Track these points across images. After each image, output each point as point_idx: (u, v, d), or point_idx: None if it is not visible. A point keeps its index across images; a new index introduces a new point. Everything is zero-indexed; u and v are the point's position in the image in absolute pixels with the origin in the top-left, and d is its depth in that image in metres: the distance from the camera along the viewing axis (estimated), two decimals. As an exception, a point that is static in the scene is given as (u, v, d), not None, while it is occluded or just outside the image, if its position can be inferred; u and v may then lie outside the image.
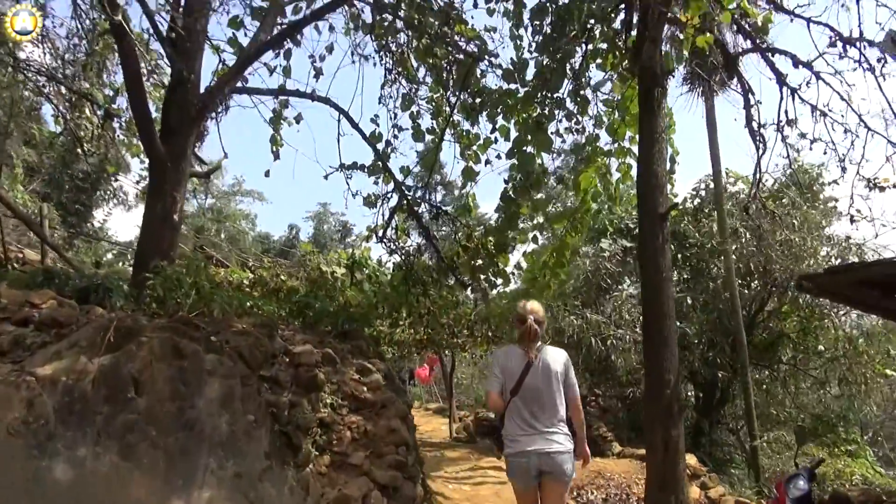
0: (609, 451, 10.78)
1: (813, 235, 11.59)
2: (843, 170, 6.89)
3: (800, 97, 6.65)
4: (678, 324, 12.67)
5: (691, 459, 8.85)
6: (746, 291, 13.50)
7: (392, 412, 5.06)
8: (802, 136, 6.68)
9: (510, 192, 8.16)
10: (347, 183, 8.40)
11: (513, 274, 9.23)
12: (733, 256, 11.61)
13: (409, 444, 5.08)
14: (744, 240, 12.07)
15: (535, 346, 3.80)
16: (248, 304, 5.34)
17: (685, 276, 13.50)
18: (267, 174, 8.22)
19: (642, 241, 5.99)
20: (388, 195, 8.56)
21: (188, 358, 3.98)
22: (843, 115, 6.30)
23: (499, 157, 8.81)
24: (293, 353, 4.79)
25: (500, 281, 8.69)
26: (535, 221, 8.49)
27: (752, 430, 9.99)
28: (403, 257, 9.10)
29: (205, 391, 3.97)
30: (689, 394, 15.12)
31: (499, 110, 8.16)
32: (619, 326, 11.69)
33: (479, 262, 8.58)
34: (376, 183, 8.81)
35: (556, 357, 3.87)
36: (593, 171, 7.73)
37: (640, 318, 12.51)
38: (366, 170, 8.43)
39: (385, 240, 8.93)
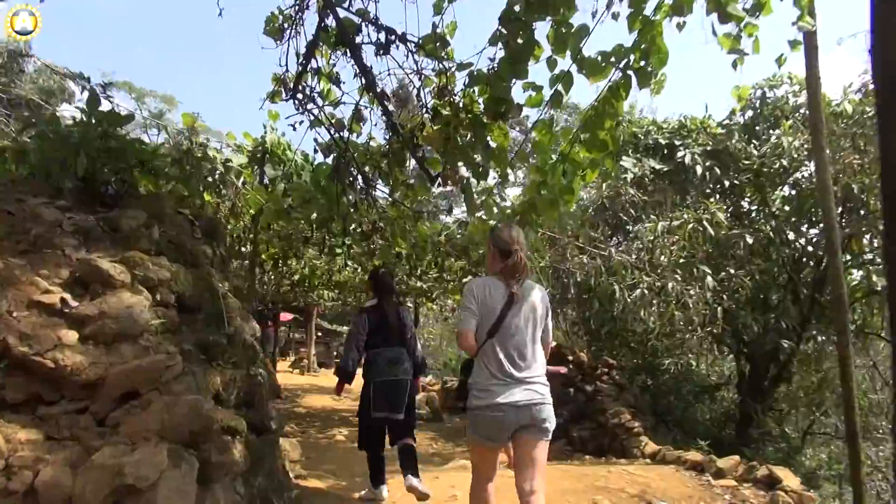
0: (637, 449, 7.53)
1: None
2: None
3: None
4: (730, 272, 9.47)
5: (789, 479, 5.60)
6: (815, 230, 10.31)
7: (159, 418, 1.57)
8: None
9: (516, 10, 4.70)
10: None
11: (513, 168, 5.80)
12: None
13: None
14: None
15: (520, 281, 3.32)
16: None
17: (742, 209, 10.19)
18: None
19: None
20: (305, 4, 4.97)
21: None
22: None
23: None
24: None
25: (493, 170, 5.25)
26: (556, 71, 4.93)
27: (853, 427, 6.75)
28: (333, 130, 5.57)
29: None
30: (728, 367, 12.02)
31: None
32: (655, 270, 8.31)
33: (460, 135, 5.10)
34: (284, -11, 5.25)
35: (540, 294, 3.44)
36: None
37: (681, 261, 9.35)
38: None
39: (300, 96, 5.36)
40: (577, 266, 8.74)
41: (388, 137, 5.71)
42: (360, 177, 5.96)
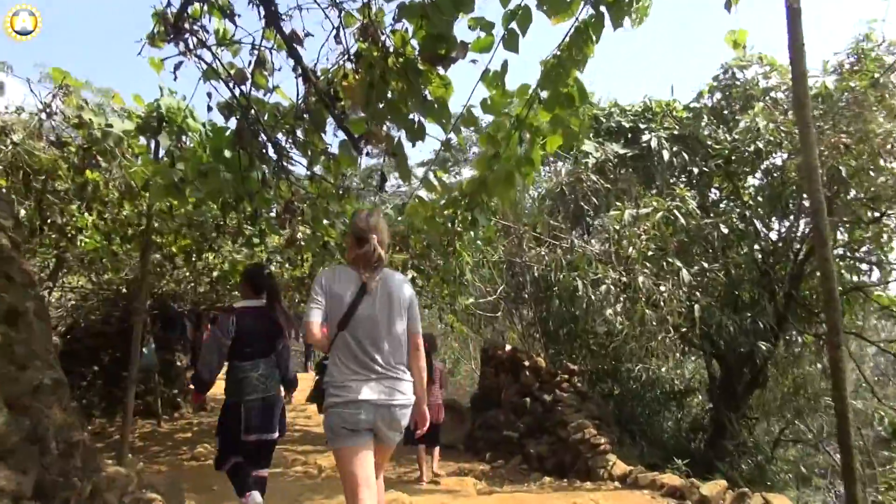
0: (604, 470, 6.55)
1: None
2: None
3: None
4: (703, 266, 8.61)
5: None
6: (787, 222, 9.60)
7: None
8: None
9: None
10: None
11: (457, 132, 4.70)
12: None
13: None
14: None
15: (376, 270, 3.16)
16: None
17: (712, 198, 9.37)
18: None
19: None
20: None
21: None
22: None
23: None
24: None
25: (432, 128, 4.19)
26: (511, 6, 3.89)
27: (847, 439, 5.90)
28: (232, 83, 4.43)
29: None
30: (692, 370, 11.21)
31: None
32: (621, 263, 7.36)
33: (389, 86, 4.03)
34: None
35: (398, 283, 3.25)
36: None
37: (650, 254, 8.45)
38: None
39: (186, 35, 4.20)
40: (535, 259, 7.75)
41: (302, 94, 4.57)
42: (269, 145, 4.84)
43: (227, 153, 4.98)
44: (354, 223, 3.34)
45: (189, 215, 6.90)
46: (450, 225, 6.27)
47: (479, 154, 4.91)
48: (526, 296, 10.15)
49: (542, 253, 7.90)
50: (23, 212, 7.16)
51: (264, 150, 4.84)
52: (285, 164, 5.00)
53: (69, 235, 7.22)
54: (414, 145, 4.14)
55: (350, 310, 3.00)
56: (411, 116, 4.07)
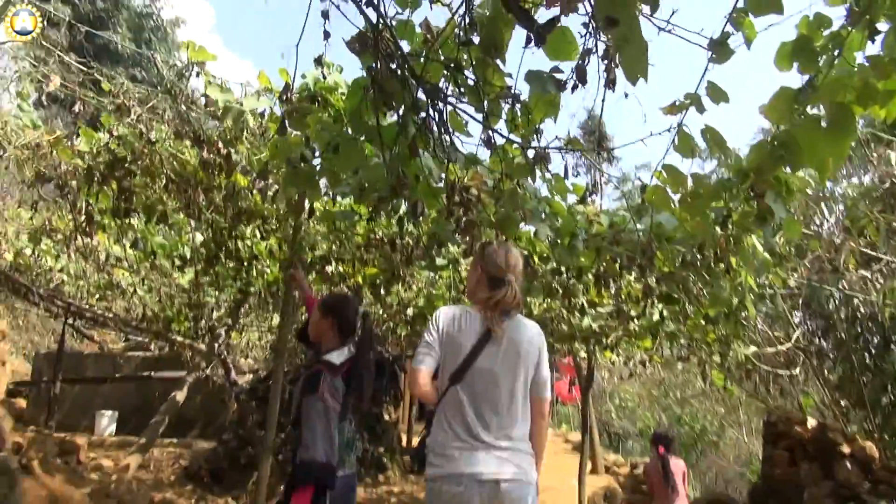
0: None
1: None
2: None
3: None
4: None
5: None
6: None
7: None
8: None
9: None
10: None
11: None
12: None
13: None
14: None
15: (506, 315, 2.60)
16: None
17: None
18: None
19: None
20: None
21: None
22: None
23: None
24: None
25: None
26: None
27: None
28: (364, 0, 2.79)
29: None
30: None
31: None
32: None
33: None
34: None
35: (529, 333, 2.66)
36: None
37: None
38: None
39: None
40: (859, 286, 5.00)
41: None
42: (420, 91, 3.08)
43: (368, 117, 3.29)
44: (489, 257, 2.74)
45: (367, 230, 5.52)
46: (718, 229, 3.90)
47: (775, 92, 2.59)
48: (826, 344, 7.18)
49: (871, 278, 5.09)
50: (199, 237, 6.38)
51: (415, 104, 3.09)
52: (450, 126, 3.23)
53: (244, 264, 6.28)
54: (654, 10, 2.05)
55: (468, 360, 2.51)
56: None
